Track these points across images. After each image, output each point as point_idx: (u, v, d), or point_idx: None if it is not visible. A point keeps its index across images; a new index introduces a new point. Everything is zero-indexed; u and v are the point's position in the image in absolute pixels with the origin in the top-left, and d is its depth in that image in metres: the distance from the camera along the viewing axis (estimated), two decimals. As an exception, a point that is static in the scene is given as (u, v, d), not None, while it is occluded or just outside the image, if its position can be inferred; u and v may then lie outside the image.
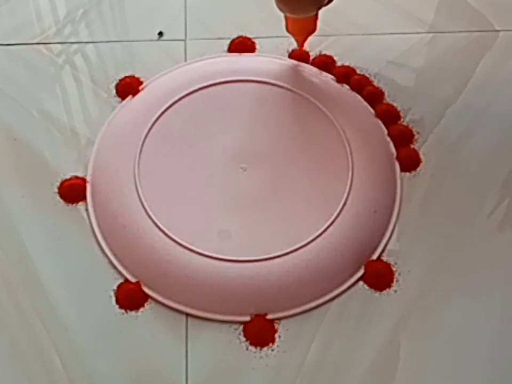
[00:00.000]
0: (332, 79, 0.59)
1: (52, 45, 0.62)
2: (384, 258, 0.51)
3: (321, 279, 0.48)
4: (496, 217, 0.52)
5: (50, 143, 0.56)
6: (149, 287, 0.49)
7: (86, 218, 0.52)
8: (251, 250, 0.48)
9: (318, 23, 0.53)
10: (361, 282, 0.49)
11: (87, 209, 0.52)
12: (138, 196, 0.50)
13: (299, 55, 0.60)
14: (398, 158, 0.55)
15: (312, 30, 0.54)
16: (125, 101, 0.57)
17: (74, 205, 0.53)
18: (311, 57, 0.61)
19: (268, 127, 0.54)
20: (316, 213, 0.50)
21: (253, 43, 0.61)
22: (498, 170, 0.54)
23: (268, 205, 0.50)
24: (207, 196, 0.51)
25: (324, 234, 0.49)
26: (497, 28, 0.63)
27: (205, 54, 0.61)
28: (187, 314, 0.48)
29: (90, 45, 0.62)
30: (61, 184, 0.53)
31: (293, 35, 0.55)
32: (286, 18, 0.53)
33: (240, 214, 0.50)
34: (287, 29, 0.54)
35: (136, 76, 0.59)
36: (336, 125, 0.53)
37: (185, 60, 0.61)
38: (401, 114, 0.57)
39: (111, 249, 0.50)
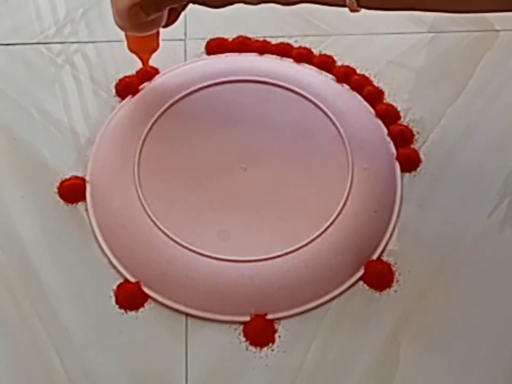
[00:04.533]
0: (332, 79, 0.59)
1: (51, 45, 0.62)
2: (384, 258, 0.51)
3: (321, 279, 0.48)
4: (496, 217, 0.52)
5: (50, 143, 0.56)
6: (149, 287, 0.49)
7: (85, 218, 0.52)
8: (251, 250, 0.48)
9: (160, 41, 0.51)
10: (361, 282, 0.49)
11: (86, 209, 0.52)
12: (138, 196, 0.50)
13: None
14: (398, 158, 0.55)
15: (155, 47, 0.52)
16: (124, 101, 0.57)
17: (74, 205, 0.53)
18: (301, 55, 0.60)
19: (268, 127, 0.54)
20: (316, 213, 0.50)
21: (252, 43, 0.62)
22: (498, 170, 0.54)
23: (268, 205, 0.50)
24: (207, 196, 0.51)
25: (324, 234, 0.49)
26: (497, 28, 0.63)
27: (204, 54, 0.61)
28: (187, 314, 0.48)
29: (90, 45, 0.62)
30: (61, 184, 0.53)
31: (136, 54, 0.53)
32: (128, 37, 0.51)
33: (240, 214, 0.50)
34: (129, 48, 0.52)
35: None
36: (336, 124, 0.53)
37: (185, 60, 0.61)
38: (401, 114, 0.57)
39: (111, 249, 0.50)
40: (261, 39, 0.62)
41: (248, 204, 0.50)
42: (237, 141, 0.53)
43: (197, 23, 0.62)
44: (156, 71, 0.59)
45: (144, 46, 0.52)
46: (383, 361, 0.46)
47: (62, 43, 0.62)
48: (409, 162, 0.55)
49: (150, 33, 0.49)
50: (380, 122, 0.57)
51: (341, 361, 0.46)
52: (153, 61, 0.60)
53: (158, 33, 0.51)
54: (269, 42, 0.61)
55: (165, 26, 0.50)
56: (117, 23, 0.47)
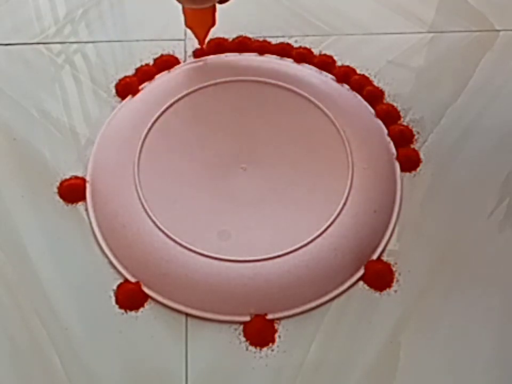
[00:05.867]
0: (332, 79, 0.59)
1: (51, 45, 0.62)
2: (384, 258, 0.51)
3: (321, 279, 0.48)
4: (496, 217, 0.52)
5: (50, 143, 0.56)
6: (149, 287, 0.49)
7: (85, 218, 0.52)
8: (251, 250, 0.48)
9: (216, 17, 0.53)
10: (361, 282, 0.49)
11: (86, 209, 0.52)
12: (138, 196, 0.50)
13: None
14: (398, 158, 0.55)
15: (212, 23, 0.53)
16: (124, 101, 0.57)
17: (74, 205, 0.53)
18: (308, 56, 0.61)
19: (268, 127, 0.54)
20: (316, 213, 0.50)
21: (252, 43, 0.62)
22: (498, 170, 0.54)
23: (268, 204, 0.50)
24: (207, 196, 0.51)
25: (323, 234, 0.49)
26: (497, 28, 0.63)
27: (204, 54, 0.61)
28: (187, 314, 0.48)
29: (90, 45, 0.62)
30: (61, 184, 0.53)
31: (193, 29, 0.54)
32: (185, 12, 0.52)
33: (240, 214, 0.50)
34: (186, 24, 0.53)
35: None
36: (336, 124, 0.53)
37: (185, 60, 0.61)
38: (401, 114, 0.57)
39: (111, 249, 0.50)
40: (261, 39, 0.62)
41: (248, 204, 0.50)
42: (237, 141, 0.53)
43: (197, 23, 0.62)
44: (156, 71, 0.59)
45: (200, 21, 0.53)
46: (383, 361, 0.46)
47: (62, 43, 0.62)
48: (409, 162, 0.55)
49: (206, 6, 0.49)
50: (379, 122, 0.57)
51: (341, 361, 0.46)
52: (152, 61, 0.60)
53: (214, 9, 0.52)
54: (269, 42, 0.61)
55: (222, 2, 0.50)
56: None
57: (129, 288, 0.49)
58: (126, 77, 0.59)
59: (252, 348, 0.47)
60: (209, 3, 0.49)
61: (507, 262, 0.50)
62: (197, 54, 0.60)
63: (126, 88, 0.58)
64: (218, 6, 0.52)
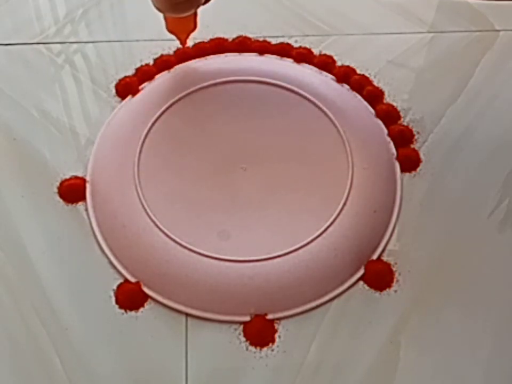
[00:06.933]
0: (332, 79, 0.59)
1: (51, 45, 0.62)
2: (384, 258, 0.51)
3: (321, 279, 0.48)
4: (496, 217, 0.52)
5: (50, 143, 0.56)
6: (149, 287, 0.49)
7: (85, 218, 0.52)
8: (251, 250, 0.48)
9: (198, 20, 0.52)
10: (361, 282, 0.49)
11: (86, 209, 0.52)
12: (138, 196, 0.50)
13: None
14: (398, 158, 0.55)
15: (193, 28, 0.53)
16: (124, 101, 0.57)
17: (74, 205, 0.53)
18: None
19: (268, 127, 0.54)
20: (315, 213, 0.50)
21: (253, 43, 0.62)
22: (498, 170, 0.54)
23: (268, 205, 0.50)
24: (207, 196, 0.51)
25: (324, 234, 0.49)
26: (497, 28, 0.63)
27: (204, 54, 0.61)
28: (187, 314, 0.48)
29: (90, 45, 0.62)
30: (61, 184, 0.53)
31: (174, 34, 0.54)
32: (166, 18, 0.52)
33: (240, 214, 0.50)
34: (167, 29, 0.53)
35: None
36: (336, 124, 0.53)
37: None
38: (401, 114, 0.57)
39: (111, 249, 0.50)
40: (261, 39, 0.62)
41: (248, 204, 0.50)
42: (237, 141, 0.53)
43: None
44: (156, 71, 0.59)
45: (181, 26, 0.52)
46: (383, 361, 0.46)
47: (62, 43, 0.62)
48: (409, 162, 0.55)
49: (187, 14, 0.49)
50: (379, 122, 0.57)
51: (341, 361, 0.46)
52: (152, 61, 0.60)
53: (195, 14, 0.52)
54: (269, 42, 0.61)
55: (204, 3, 0.50)
56: (154, 5, 0.47)
57: (129, 288, 0.49)
58: (126, 77, 0.59)
59: (252, 348, 0.47)
60: (190, 11, 0.49)
61: (507, 262, 0.50)
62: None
63: (126, 88, 0.58)
64: (208, 6, 0.52)
